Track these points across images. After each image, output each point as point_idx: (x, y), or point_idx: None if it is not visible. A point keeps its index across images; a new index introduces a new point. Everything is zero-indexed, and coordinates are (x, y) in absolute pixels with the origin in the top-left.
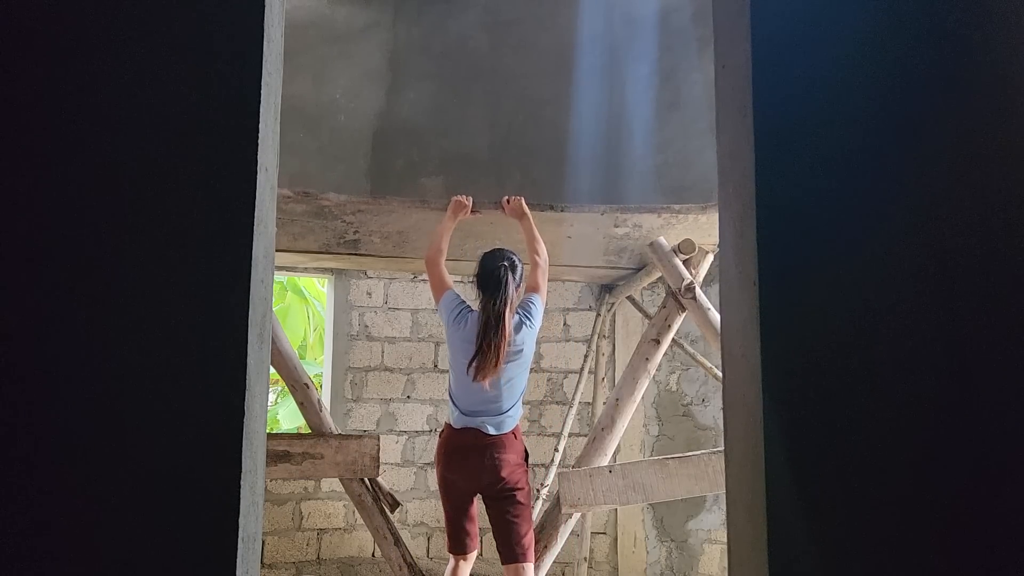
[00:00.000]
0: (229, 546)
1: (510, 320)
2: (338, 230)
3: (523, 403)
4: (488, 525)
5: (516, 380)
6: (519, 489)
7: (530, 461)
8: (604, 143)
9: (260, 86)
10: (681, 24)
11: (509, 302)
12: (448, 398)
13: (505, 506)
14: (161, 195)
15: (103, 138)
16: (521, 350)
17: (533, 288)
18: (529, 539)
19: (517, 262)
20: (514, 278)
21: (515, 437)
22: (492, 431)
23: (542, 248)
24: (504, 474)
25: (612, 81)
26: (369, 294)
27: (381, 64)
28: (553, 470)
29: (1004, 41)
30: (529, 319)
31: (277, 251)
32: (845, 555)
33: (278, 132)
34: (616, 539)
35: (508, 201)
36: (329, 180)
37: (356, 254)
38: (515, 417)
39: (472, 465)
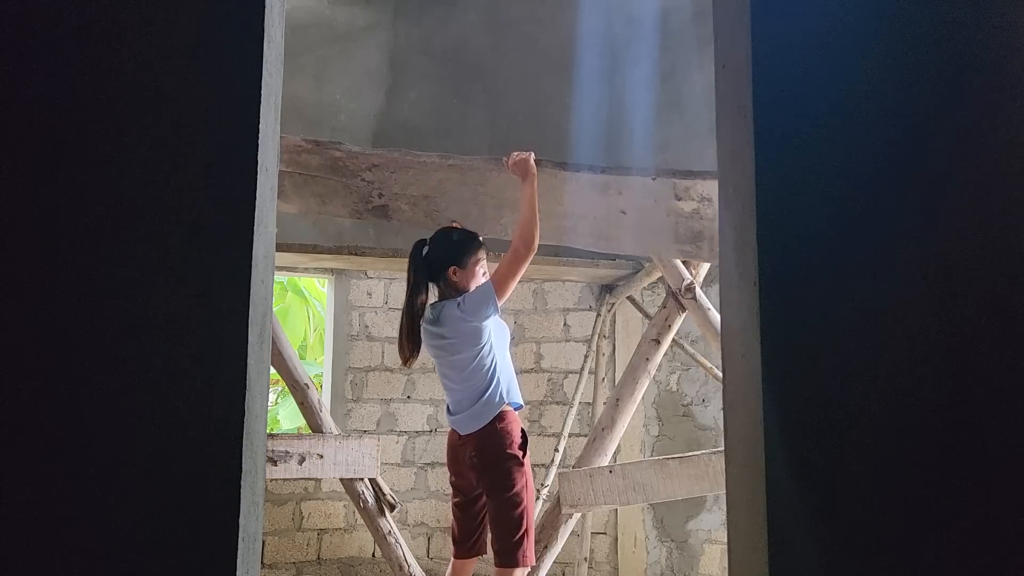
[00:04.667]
0: (229, 546)
1: (410, 304)
2: (361, 192)
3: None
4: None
5: (467, 375)
6: (503, 488)
7: (528, 456)
8: (604, 143)
9: (260, 86)
10: (681, 24)
11: (410, 286)
12: None
13: (490, 505)
14: (161, 195)
15: (103, 138)
16: (453, 341)
17: (494, 277)
18: (514, 544)
19: (436, 245)
20: (428, 262)
21: (495, 430)
22: (462, 431)
23: (532, 232)
24: (484, 474)
25: (612, 81)
26: (369, 294)
27: (381, 64)
28: (553, 470)
29: (1004, 41)
30: (462, 308)
31: (279, 249)
32: (845, 555)
33: (278, 132)
34: (616, 539)
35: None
36: None
37: (365, 252)
38: (483, 415)
39: (457, 463)
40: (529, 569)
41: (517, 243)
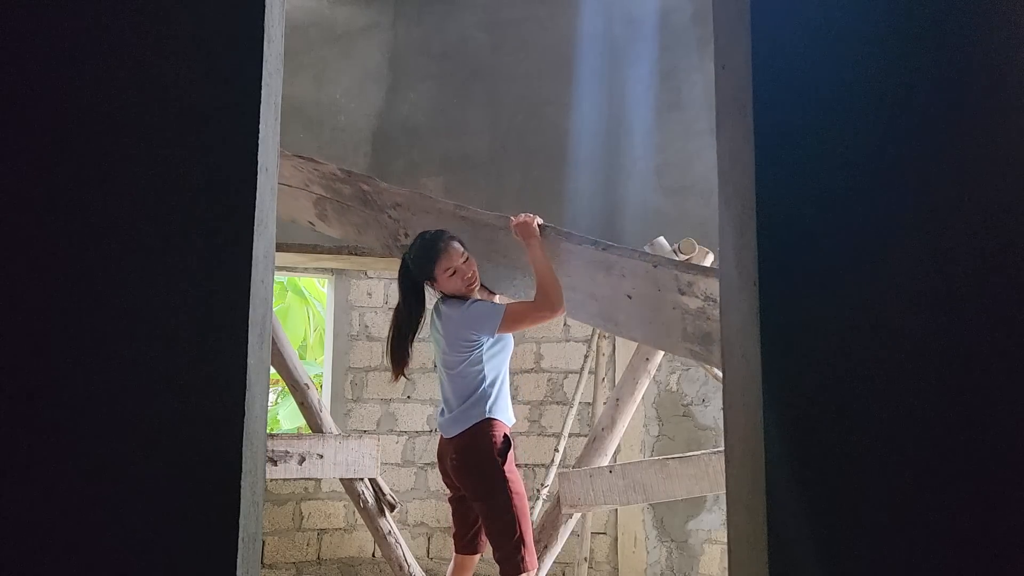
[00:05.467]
0: (229, 546)
1: (395, 316)
2: (390, 228)
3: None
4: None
5: (454, 376)
6: (485, 496)
7: (518, 457)
8: (604, 143)
9: (260, 86)
10: (681, 24)
11: (398, 287)
12: None
13: (480, 512)
14: (161, 195)
15: (103, 138)
16: (446, 338)
17: (510, 310)
18: (511, 551)
19: (418, 244)
20: (412, 264)
21: (474, 434)
22: (445, 434)
23: (554, 297)
24: (463, 479)
25: (612, 81)
26: (369, 294)
27: (381, 64)
28: (553, 470)
29: (1004, 41)
30: (463, 312)
31: (279, 249)
32: (845, 555)
33: (278, 132)
34: (616, 539)
35: (518, 219)
36: None
37: (365, 252)
38: (464, 421)
39: (443, 464)
40: (532, 573)
41: (541, 303)
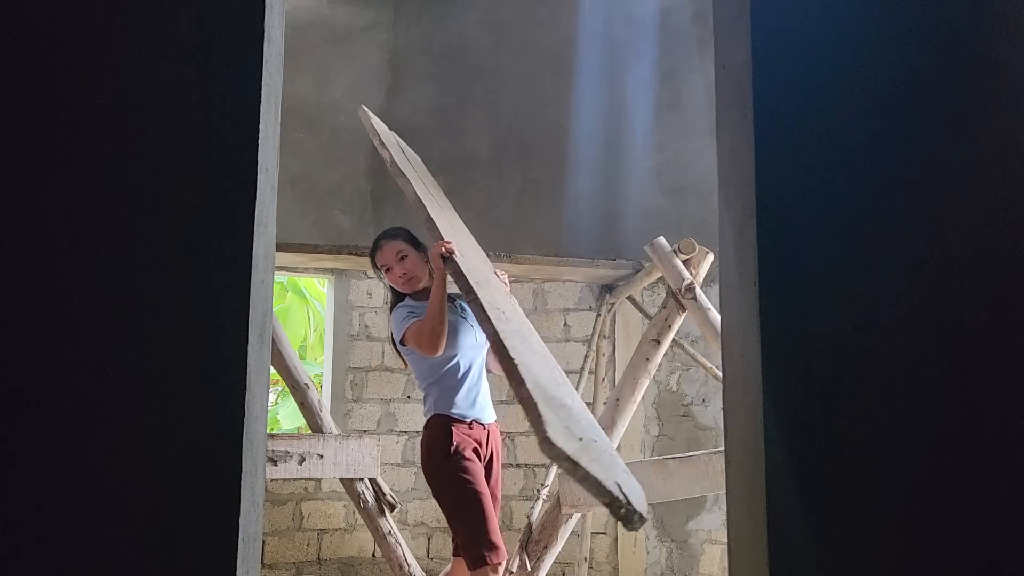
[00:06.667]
0: (229, 546)
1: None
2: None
3: (500, 404)
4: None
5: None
6: (434, 492)
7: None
8: (604, 143)
9: (260, 86)
10: (681, 24)
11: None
12: None
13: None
14: (161, 195)
15: (103, 138)
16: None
17: (411, 327)
18: (468, 546)
19: (374, 246)
20: (377, 268)
21: (424, 434)
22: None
23: (423, 337)
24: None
25: (612, 81)
26: (369, 294)
27: (381, 64)
28: (553, 470)
29: (1004, 41)
30: (395, 311)
31: (279, 249)
32: (845, 555)
33: (278, 132)
34: (616, 539)
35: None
36: (329, 180)
37: (365, 252)
38: (426, 410)
39: None
40: (500, 565)
41: (418, 336)
